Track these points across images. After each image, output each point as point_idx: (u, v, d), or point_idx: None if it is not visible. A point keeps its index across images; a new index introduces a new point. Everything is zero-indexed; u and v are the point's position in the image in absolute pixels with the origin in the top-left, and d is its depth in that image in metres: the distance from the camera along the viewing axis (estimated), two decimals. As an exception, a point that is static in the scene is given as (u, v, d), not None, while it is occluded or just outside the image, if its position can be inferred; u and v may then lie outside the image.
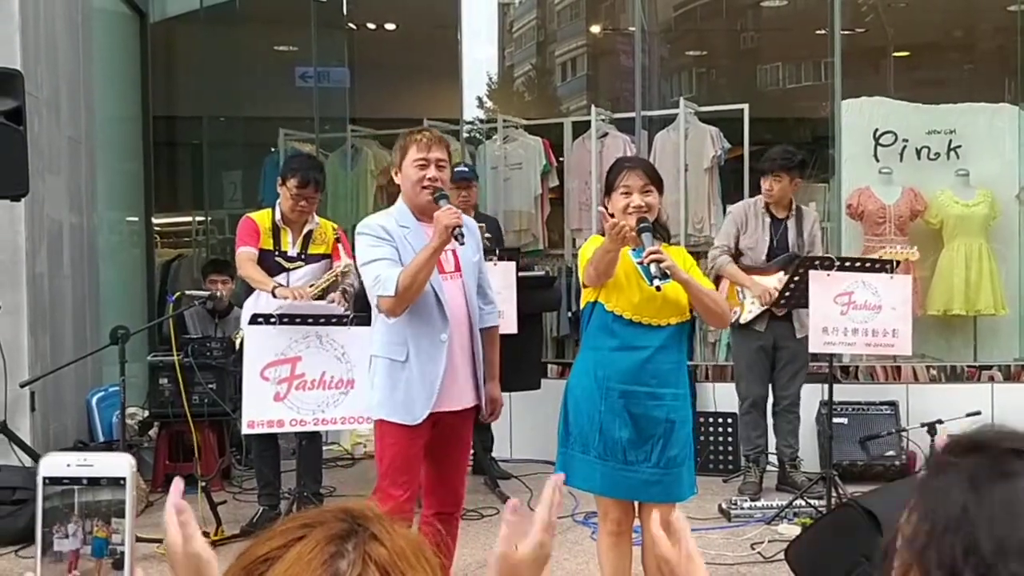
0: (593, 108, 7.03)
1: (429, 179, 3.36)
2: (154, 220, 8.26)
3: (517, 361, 5.77)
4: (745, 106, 6.63)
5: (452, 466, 3.60)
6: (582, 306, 3.57)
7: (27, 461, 4.86)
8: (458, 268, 3.48)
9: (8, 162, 4.37)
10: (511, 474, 6.07)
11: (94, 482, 1.24)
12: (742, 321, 5.62)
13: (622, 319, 3.38)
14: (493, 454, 6.16)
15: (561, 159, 7.26)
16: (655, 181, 3.43)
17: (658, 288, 3.24)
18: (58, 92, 5.78)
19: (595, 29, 10.50)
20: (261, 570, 0.83)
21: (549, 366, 7.00)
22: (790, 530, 4.77)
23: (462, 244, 3.37)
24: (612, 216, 3.36)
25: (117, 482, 1.23)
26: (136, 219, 8.00)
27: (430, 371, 3.37)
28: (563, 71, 10.75)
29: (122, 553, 1.23)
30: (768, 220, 5.64)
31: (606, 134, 6.96)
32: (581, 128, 7.14)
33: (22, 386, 4.83)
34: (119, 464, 1.24)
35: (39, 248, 5.44)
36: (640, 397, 3.37)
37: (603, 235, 3.33)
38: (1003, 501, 0.91)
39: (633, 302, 3.36)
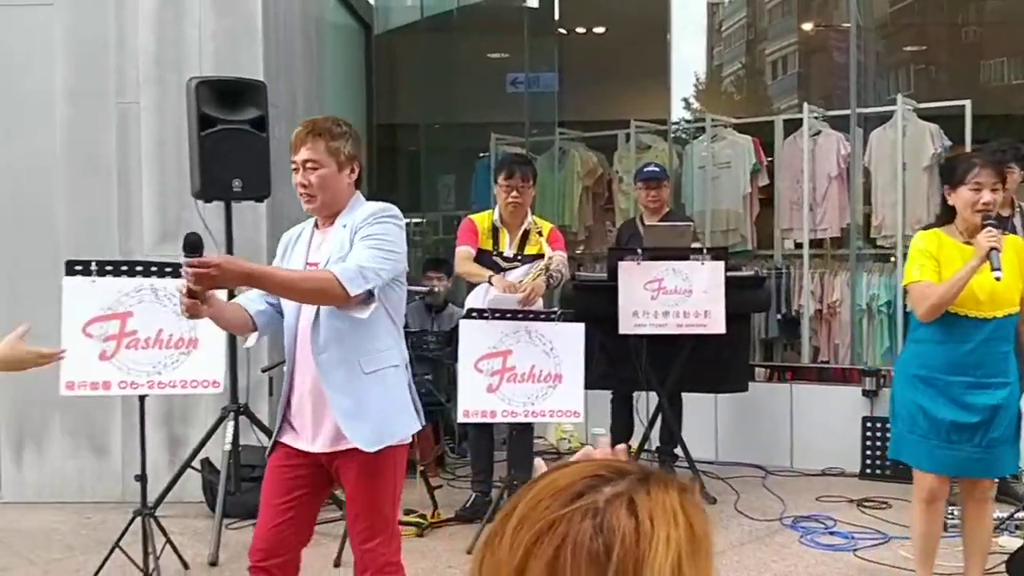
0: (806, 106, 6.88)
1: (299, 184, 2.90)
2: (375, 222, 8.70)
3: (724, 362, 5.77)
4: (967, 102, 6.32)
5: None
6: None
7: (265, 441, 5.28)
8: None
9: (253, 167, 4.77)
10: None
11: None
12: None
13: (950, 314, 3.53)
14: (693, 456, 6.13)
15: (771, 158, 7.16)
16: (1003, 180, 3.60)
17: (998, 278, 3.40)
18: (294, 102, 6.23)
19: (807, 26, 10.25)
20: (550, 471, 0.93)
21: (756, 369, 6.93)
22: (1011, 542, 4.55)
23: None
24: (952, 208, 3.58)
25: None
26: (359, 221, 8.47)
27: (280, 405, 3.03)
28: (773, 69, 10.55)
29: None
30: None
31: (819, 132, 6.81)
32: (792, 127, 7.01)
33: (263, 371, 5.25)
34: None
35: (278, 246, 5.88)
36: (964, 387, 3.56)
37: (936, 225, 3.64)
38: None
39: (963, 299, 3.50)
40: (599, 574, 0.84)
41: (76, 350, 4.00)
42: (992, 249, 3.38)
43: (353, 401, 2.82)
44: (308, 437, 2.91)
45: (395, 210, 2.96)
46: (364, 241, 2.82)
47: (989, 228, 3.44)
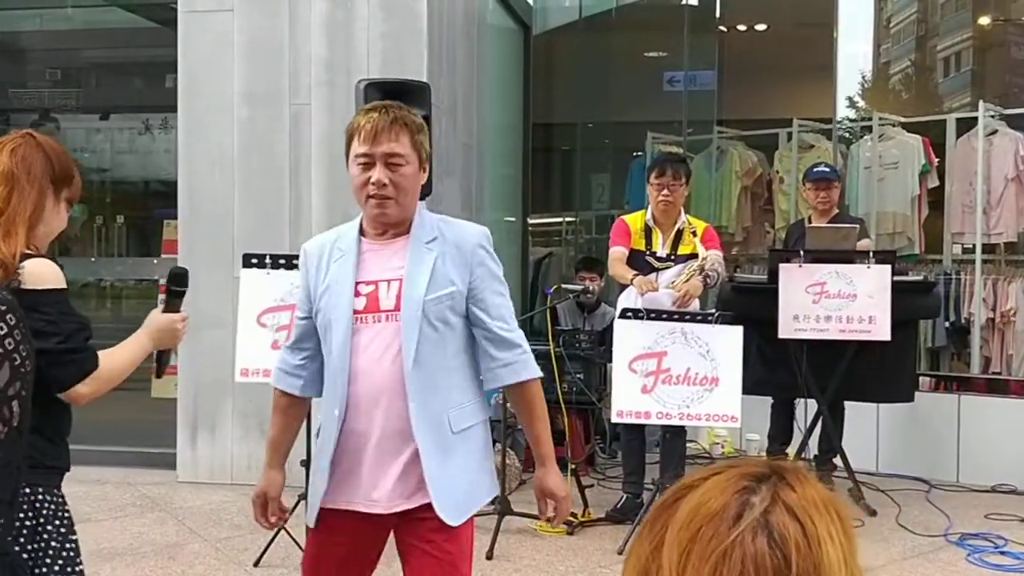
0: (980, 104, 6.56)
1: (374, 184, 2.35)
2: (529, 220, 8.81)
3: (889, 371, 5.56)
4: None
5: None
6: None
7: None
8: (398, 306, 2.36)
9: (420, 165, 4.89)
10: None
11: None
12: None
13: None
14: (853, 466, 5.94)
15: (941, 159, 6.86)
16: None
17: None
18: (455, 101, 6.36)
19: (984, 20, 9.75)
20: (683, 493, 0.94)
21: (922, 379, 6.65)
22: None
23: None
24: None
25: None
26: (514, 219, 8.59)
27: (322, 454, 2.45)
28: (945, 66, 10.09)
29: None
30: None
31: (995, 131, 6.48)
32: (966, 126, 6.70)
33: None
34: None
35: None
36: None
37: None
38: None
39: None
40: None
41: (250, 338, 4.28)
42: None
43: (439, 464, 2.34)
44: (368, 495, 2.38)
45: (484, 231, 2.52)
46: (497, 290, 2.45)
47: None
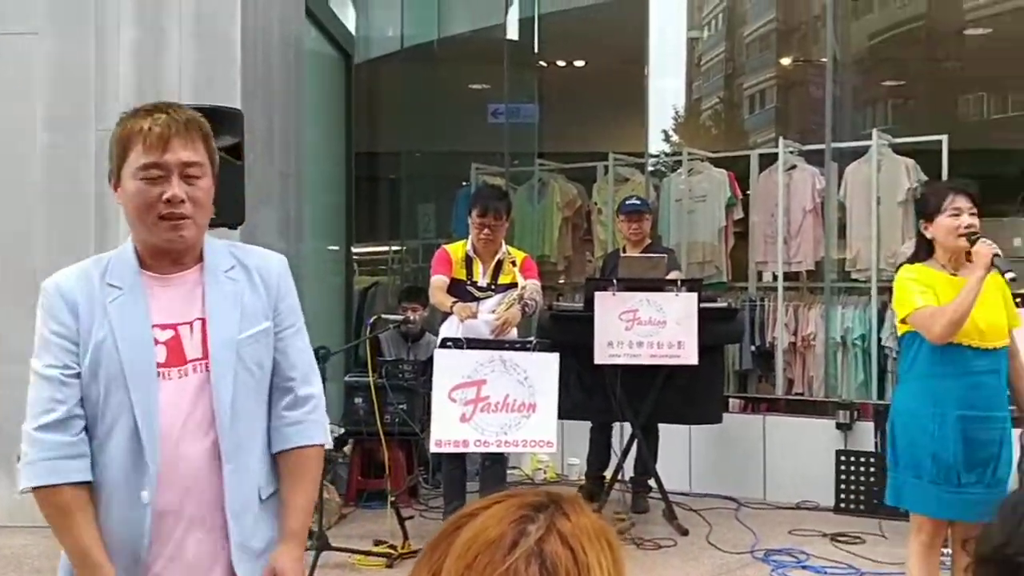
0: (781, 140, 6.96)
1: (168, 201, 1.92)
2: (353, 249, 8.74)
3: (698, 393, 5.79)
4: (944, 137, 6.40)
5: None
6: (900, 334, 3.73)
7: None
8: (206, 352, 1.97)
9: (228, 193, 4.74)
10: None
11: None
12: None
13: (954, 344, 3.49)
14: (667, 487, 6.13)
15: (746, 192, 7.23)
16: (978, 205, 3.59)
17: (1012, 279, 3.53)
18: (272, 129, 6.26)
19: (785, 61, 10.39)
20: (463, 522, 0.96)
21: (731, 401, 6.95)
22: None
23: None
24: (931, 243, 3.60)
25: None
26: (337, 248, 8.49)
27: (123, 553, 1.96)
28: (751, 103, 10.68)
29: None
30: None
31: (794, 166, 6.88)
32: (768, 160, 7.09)
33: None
34: None
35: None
36: (975, 421, 3.50)
37: (912, 262, 3.62)
38: None
39: (966, 328, 3.47)
40: None
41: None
42: (994, 255, 3.43)
43: (245, 538, 2.01)
44: None
45: (284, 258, 2.17)
46: (300, 332, 2.13)
47: (982, 240, 3.46)
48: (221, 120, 4.80)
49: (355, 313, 8.36)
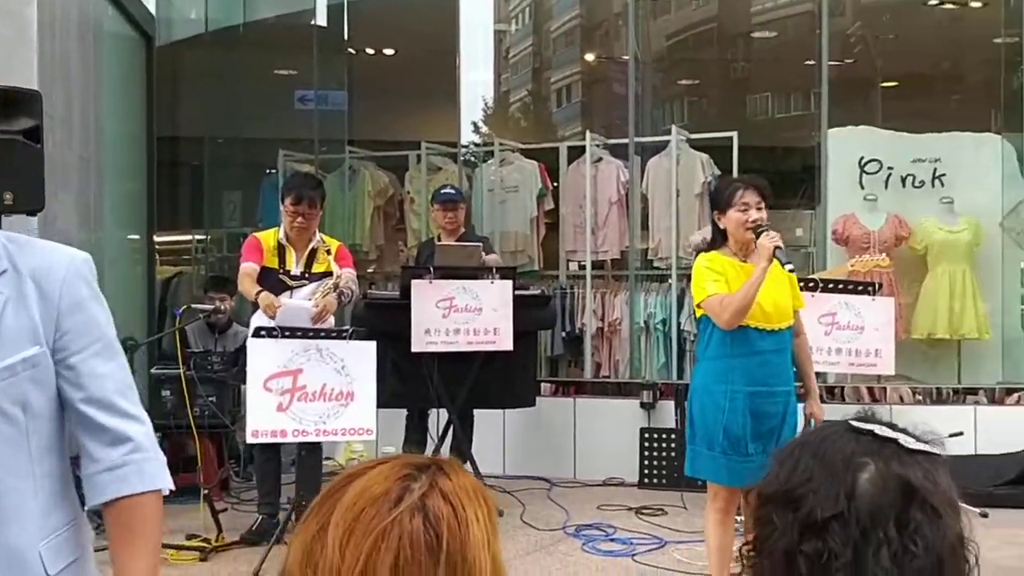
0: (588, 134, 7.22)
1: None
2: (155, 238, 8.40)
3: (512, 378, 5.95)
4: (734, 134, 6.82)
5: None
6: (697, 317, 4.03)
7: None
8: None
9: (26, 179, 4.50)
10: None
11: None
12: None
13: (743, 327, 3.76)
14: (482, 470, 6.26)
15: (556, 183, 7.45)
16: (766, 198, 3.84)
17: (792, 270, 3.82)
18: (70, 112, 5.95)
19: (589, 57, 10.73)
20: (350, 480, 1.02)
21: (543, 385, 7.16)
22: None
23: None
24: (724, 231, 3.86)
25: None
26: (138, 237, 8.15)
27: None
28: (558, 97, 10.97)
29: None
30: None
31: (600, 159, 7.15)
32: (576, 153, 7.33)
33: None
34: None
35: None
36: (762, 396, 3.80)
37: (709, 250, 3.89)
38: None
39: (753, 311, 3.74)
40: (435, 560, 0.97)
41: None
42: (776, 247, 3.70)
43: None
44: None
45: (84, 257, 1.66)
46: (100, 351, 1.59)
47: (766, 231, 3.75)
48: (19, 102, 4.55)
49: (158, 304, 8.06)
